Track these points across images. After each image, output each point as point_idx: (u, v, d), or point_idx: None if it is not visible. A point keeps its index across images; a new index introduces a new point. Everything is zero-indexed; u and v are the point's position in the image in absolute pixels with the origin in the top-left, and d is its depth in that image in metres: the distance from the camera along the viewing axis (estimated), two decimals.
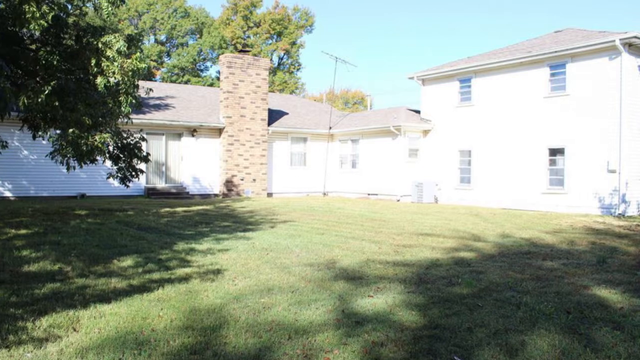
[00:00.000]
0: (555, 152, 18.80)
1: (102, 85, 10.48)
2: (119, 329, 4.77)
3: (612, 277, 7.29)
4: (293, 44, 53.12)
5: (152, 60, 47.15)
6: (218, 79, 44.44)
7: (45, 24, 10.06)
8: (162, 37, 51.63)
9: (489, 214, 16.91)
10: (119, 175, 13.97)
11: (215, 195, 23.32)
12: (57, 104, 10.55)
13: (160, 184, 22.18)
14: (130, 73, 10.78)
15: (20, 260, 7.65)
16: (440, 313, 5.45)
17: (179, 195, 21.93)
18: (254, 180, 23.57)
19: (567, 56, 18.26)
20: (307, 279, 6.90)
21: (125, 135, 13.86)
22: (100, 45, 10.64)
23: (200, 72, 52.49)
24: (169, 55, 51.81)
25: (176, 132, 22.44)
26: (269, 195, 24.44)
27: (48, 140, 12.53)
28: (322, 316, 5.30)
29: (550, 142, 18.81)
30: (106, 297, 5.80)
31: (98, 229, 10.99)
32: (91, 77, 11.04)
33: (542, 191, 18.95)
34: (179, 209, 16.08)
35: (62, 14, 10.95)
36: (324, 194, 26.44)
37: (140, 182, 20.51)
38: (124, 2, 11.32)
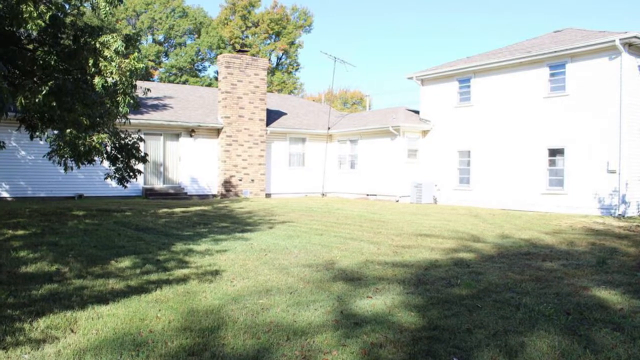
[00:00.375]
0: (554, 152, 18.80)
1: (100, 86, 10.43)
2: (116, 330, 4.74)
3: (612, 278, 7.27)
4: (291, 44, 53.10)
5: (150, 60, 47.08)
6: (216, 79, 44.43)
7: (43, 24, 10.01)
8: (160, 37, 51.59)
9: (488, 214, 16.90)
10: (117, 175, 13.93)
11: (214, 195, 23.28)
12: (54, 104, 10.51)
13: (158, 185, 22.14)
14: (128, 73, 10.74)
15: (17, 261, 7.62)
16: (440, 314, 5.43)
17: (177, 195, 21.89)
18: (253, 180, 23.53)
19: (567, 56, 18.26)
20: (306, 280, 6.88)
21: (123, 135, 13.82)
22: (97, 45, 10.60)
23: (199, 72, 52.45)
24: (167, 55, 51.74)
25: (174, 132, 22.40)
26: (268, 195, 24.41)
27: (45, 140, 12.50)
28: (320, 317, 5.27)
29: (549, 142, 18.81)
30: (104, 298, 5.77)
31: (96, 230, 10.96)
32: (89, 77, 11.00)
33: (542, 192, 18.95)
34: (177, 210, 16.04)
35: (59, 14, 10.90)
36: (323, 194, 26.42)
37: (138, 182, 20.48)
38: (122, 2, 11.28)
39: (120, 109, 11.44)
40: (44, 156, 13.25)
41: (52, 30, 11.07)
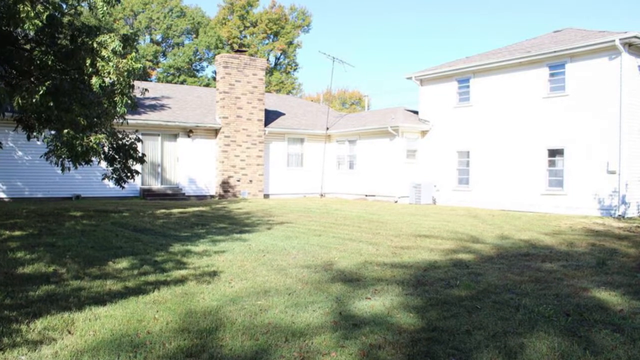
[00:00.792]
0: (554, 152, 18.79)
1: (97, 86, 10.40)
2: (114, 332, 4.71)
3: (612, 279, 7.25)
4: (290, 43, 53.11)
5: (147, 60, 47.03)
6: (214, 79, 44.36)
7: (40, 24, 9.96)
8: (158, 37, 51.53)
9: (488, 215, 16.88)
10: (114, 176, 13.89)
11: (212, 196, 23.24)
12: (51, 104, 10.47)
13: (156, 185, 22.09)
14: (125, 73, 10.71)
15: (14, 262, 7.58)
16: (439, 315, 5.40)
17: (175, 196, 21.85)
18: (251, 181, 23.49)
19: (567, 56, 18.25)
20: (304, 281, 6.85)
21: (120, 135, 13.79)
22: (95, 45, 10.56)
23: (196, 72, 52.40)
24: (164, 55, 51.68)
25: (172, 132, 22.36)
26: (266, 196, 24.38)
27: (43, 141, 12.44)
28: (319, 318, 5.24)
29: (549, 142, 18.80)
30: (101, 300, 5.73)
31: (93, 231, 10.92)
32: (86, 77, 10.96)
33: (541, 192, 18.94)
34: (175, 210, 16.00)
35: (56, 14, 10.87)
36: (321, 195, 26.39)
37: (136, 183, 20.44)
38: (119, 2, 11.24)
39: (118, 109, 11.40)
40: (41, 157, 13.20)
41: (50, 30, 11.04)
